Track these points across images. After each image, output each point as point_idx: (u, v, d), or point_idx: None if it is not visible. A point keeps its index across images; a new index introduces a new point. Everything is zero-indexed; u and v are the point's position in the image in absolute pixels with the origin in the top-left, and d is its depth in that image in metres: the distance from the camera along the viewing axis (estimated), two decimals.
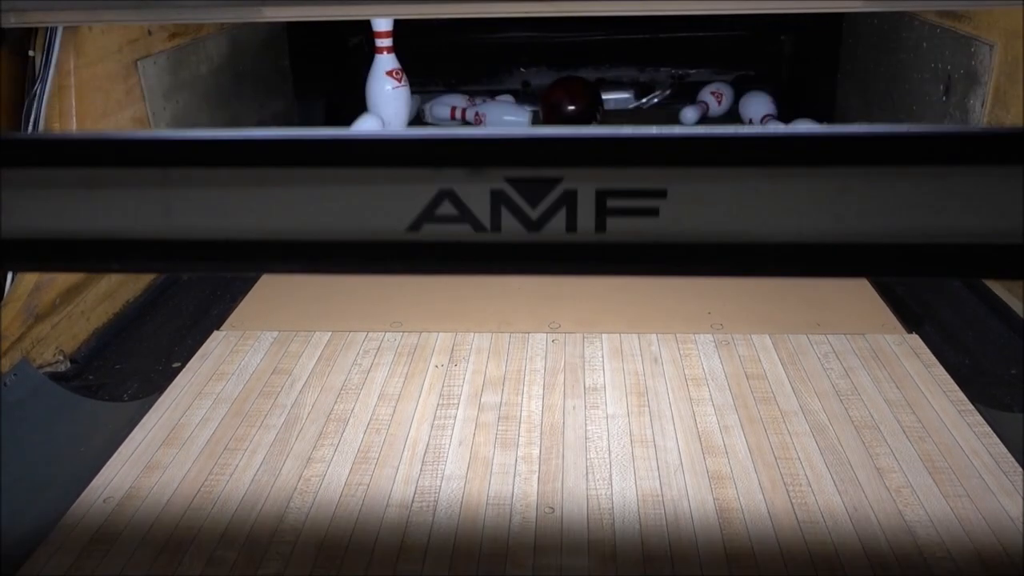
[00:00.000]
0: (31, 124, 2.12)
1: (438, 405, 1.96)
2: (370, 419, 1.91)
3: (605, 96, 4.22)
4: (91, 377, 2.15)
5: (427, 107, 4.09)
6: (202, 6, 1.79)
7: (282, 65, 3.66)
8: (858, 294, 2.42)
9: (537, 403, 1.95)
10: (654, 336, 2.22)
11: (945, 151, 0.80)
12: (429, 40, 4.07)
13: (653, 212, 0.81)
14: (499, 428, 1.86)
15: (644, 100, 4.31)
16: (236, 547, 1.54)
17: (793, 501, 1.62)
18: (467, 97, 4.14)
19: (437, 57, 4.18)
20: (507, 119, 4.01)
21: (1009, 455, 1.74)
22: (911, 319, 2.30)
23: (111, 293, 2.39)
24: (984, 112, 2.38)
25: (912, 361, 2.09)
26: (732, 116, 4.08)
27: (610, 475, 1.70)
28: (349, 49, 4.08)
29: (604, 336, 2.22)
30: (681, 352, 2.15)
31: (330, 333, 2.26)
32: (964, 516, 1.58)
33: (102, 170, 0.85)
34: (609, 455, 1.77)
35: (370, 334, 2.25)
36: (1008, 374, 2.07)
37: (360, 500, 1.65)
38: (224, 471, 1.75)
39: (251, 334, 2.27)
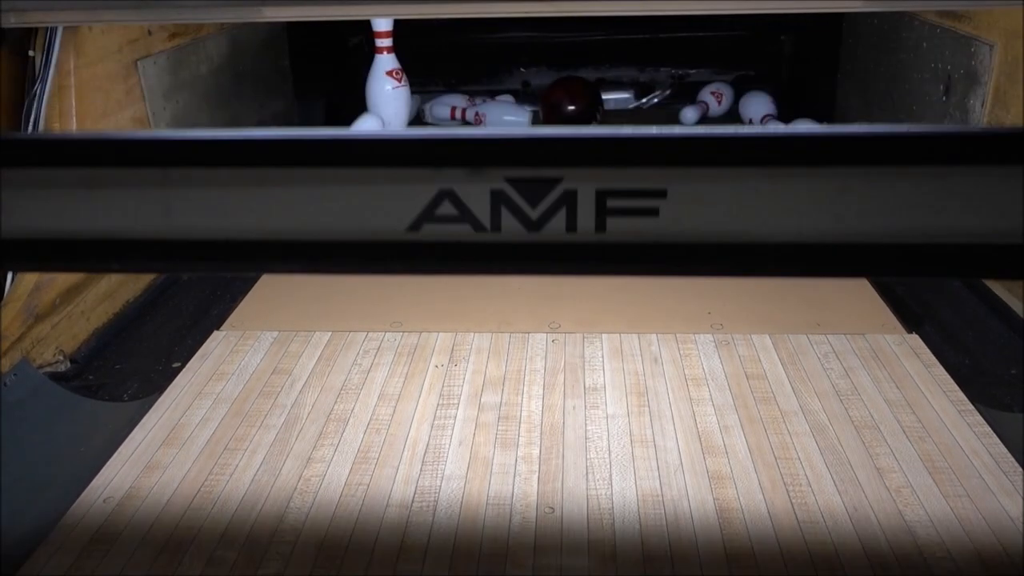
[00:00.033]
0: (31, 124, 2.12)
1: (438, 405, 1.96)
2: (370, 419, 1.91)
3: (605, 96, 4.22)
4: (91, 377, 2.15)
5: (427, 107, 4.09)
6: (202, 6, 1.79)
7: (282, 65, 3.66)
8: (858, 294, 2.42)
9: (537, 403, 1.95)
10: (654, 336, 2.22)
11: (945, 151, 0.80)
12: (429, 40, 4.06)
13: (653, 212, 0.81)
14: (499, 428, 1.86)
15: (644, 100, 4.31)
16: (236, 547, 1.54)
17: (793, 501, 1.62)
18: (467, 97, 4.14)
19: (437, 57, 4.18)
20: (507, 119, 4.01)
21: (1009, 455, 1.74)
22: (911, 319, 2.30)
23: (111, 293, 2.39)
24: (984, 112, 2.38)
25: (912, 361, 2.09)
26: (732, 116, 4.08)
27: (610, 475, 1.70)
28: (349, 49, 4.08)
29: (604, 336, 2.22)
30: (681, 352, 2.15)
31: (330, 333, 2.26)
32: (964, 516, 1.58)
33: (102, 170, 0.85)
34: (609, 455, 1.77)
35: (370, 334, 2.25)
36: (1008, 374, 2.07)
37: (360, 500, 1.65)
38: (224, 471, 1.75)
39: (251, 334, 2.27)
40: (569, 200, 0.82)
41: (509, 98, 4.20)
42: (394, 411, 1.94)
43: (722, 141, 0.81)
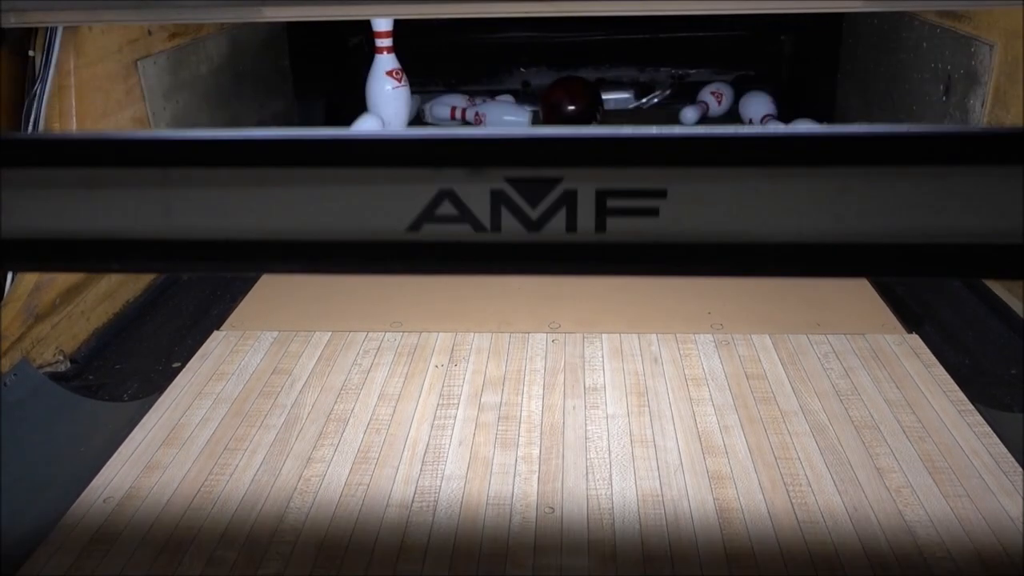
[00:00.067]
0: (31, 124, 2.12)
1: (438, 405, 1.95)
2: (370, 419, 1.91)
3: (605, 96, 4.22)
4: (91, 377, 2.15)
5: (427, 107, 4.09)
6: (202, 6, 1.79)
7: (282, 65, 3.66)
8: (858, 294, 2.42)
9: (537, 403, 1.95)
10: (654, 336, 2.22)
11: (945, 151, 0.80)
12: (429, 40, 4.06)
13: (653, 212, 0.81)
14: (499, 428, 1.86)
15: (644, 100, 4.31)
16: (236, 547, 1.54)
17: (793, 501, 1.62)
18: (467, 97, 4.14)
19: (437, 57, 4.18)
20: (507, 119, 4.01)
21: (1009, 455, 1.74)
22: (911, 319, 2.30)
23: (111, 293, 2.39)
24: (984, 112, 2.38)
25: (912, 361, 2.09)
26: (732, 116, 4.08)
27: (610, 475, 1.70)
28: (349, 49, 4.08)
29: (604, 336, 2.22)
30: (681, 352, 2.15)
31: (330, 333, 2.26)
32: (964, 516, 1.58)
33: (102, 170, 0.85)
34: (609, 455, 1.77)
35: (370, 334, 2.25)
36: (1008, 374, 2.07)
37: (360, 500, 1.65)
38: (224, 471, 1.75)
39: (251, 334, 2.27)
40: (569, 200, 0.82)
41: (509, 98, 4.20)
42: (394, 411, 1.94)
43: (722, 141, 0.81)
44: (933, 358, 2.10)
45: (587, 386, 2.01)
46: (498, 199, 0.82)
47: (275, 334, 2.26)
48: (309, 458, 1.78)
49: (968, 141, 0.81)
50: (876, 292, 2.42)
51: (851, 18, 3.56)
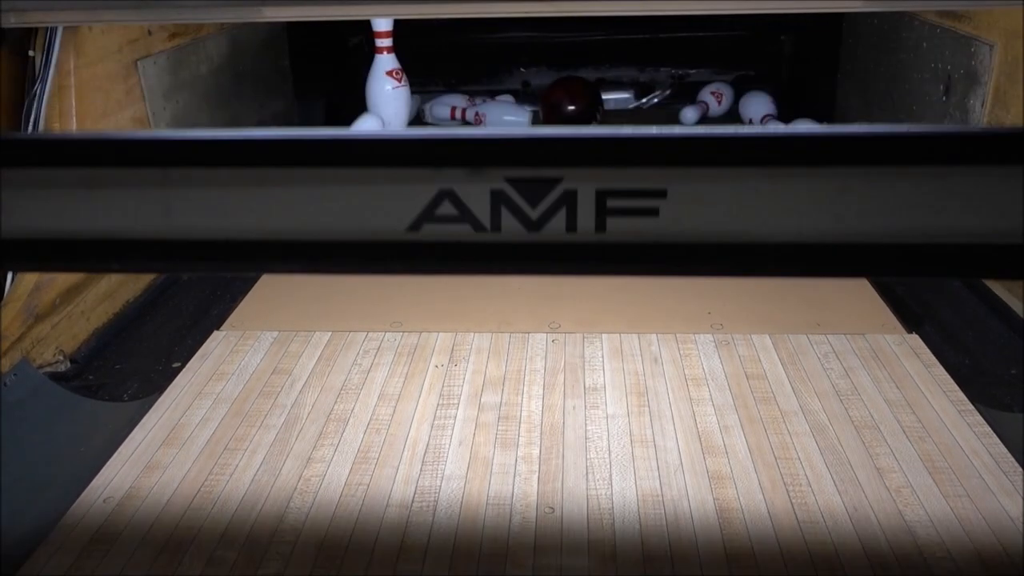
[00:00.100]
0: (31, 124, 2.12)
1: (438, 405, 1.95)
2: (370, 419, 1.91)
3: (605, 96, 4.22)
4: (91, 377, 2.15)
5: (427, 107, 4.09)
6: (202, 6, 1.79)
7: (282, 65, 3.66)
8: (858, 294, 2.42)
9: (537, 403, 1.95)
10: (654, 336, 2.22)
11: (945, 151, 0.80)
12: (429, 40, 4.06)
13: (653, 212, 0.82)
14: (499, 428, 1.86)
15: (644, 100, 4.31)
16: (236, 547, 1.54)
17: (793, 501, 1.62)
18: (467, 97, 4.14)
19: (437, 57, 4.18)
20: (507, 119, 4.01)
21: (1009, 455, 1.74)
22: (911, 319, 2.30)
23: (111, 293, 2.39)
24: (984, 112, 2.38)
25: (912, 361, 2.09)
26: (732, 116, 4.08)
27: (610, 475, 1.70)
28: (349, 49, 4.08)
29: (604, 336, 2.22)
30: (681, 352, 2.15)
31: (330, 333, 2.26)
32: (964, 516, 1.58)
33: (102, 170, 0.85)
34: (609, 455, 1.77)
35: (370, 334, 2.25)
36: (1008, 374, 2.07)
37: (360, 500, 1.65)
38: (224, 471, 1.75)
39: (251, 334, 2.27)
40: (569, 200, 0.82)
41: (509, 98, 4.20)
42: (394, 411, 1.94)
43: (722, 141, 0.81)
44: (933, 358, 2.10)
45: (587, 386, 2.02)
46: (498, 199, 0.82)
47: (275, 334, 2.26)
48: (309, 458, 1.78)
49: (968, 141, 0.81)
50: (876, 292, 2.42)
51: (851, 18, 3.56)
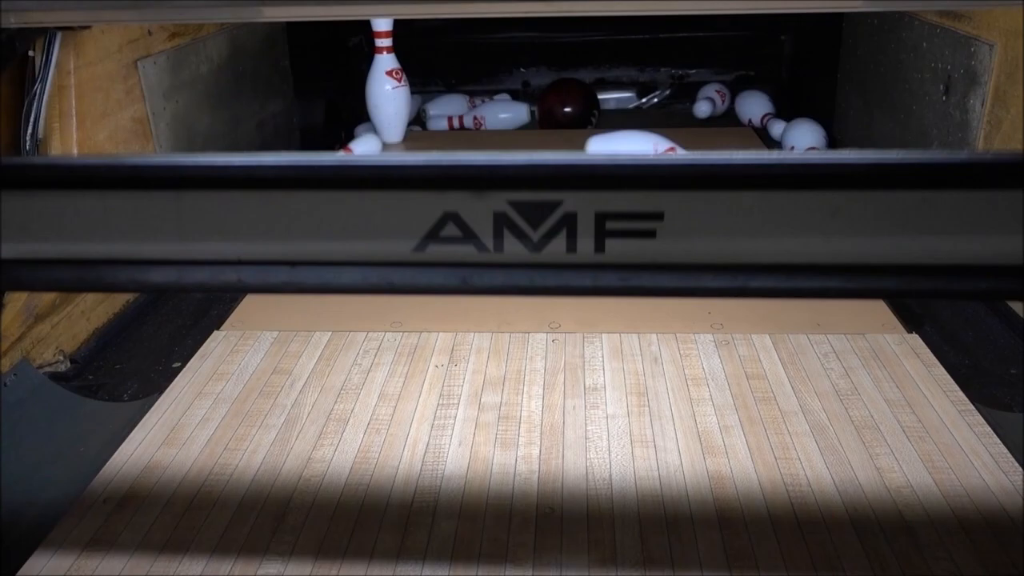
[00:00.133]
0: (31, 124, 2.12)
1: (438, 405, 1.95)
2: (370, 419, 1.91)
3: (606, 96, 4.23)
4: (91, 377, 2.15)
5: (427, 107, 4.10)
6: (202, 6, 1.79)
7: (282, 65, 3.66)
8: None
9: (537, 403, 1.95)
10: (654, 336, 2.22)
11: (931, 177, 0.83)
12: (429, 40, 4.07)
13: (651, 234, 0.84)
14: (499, 428, 1.86)
15: (644, 100, 4.31)
16: (236, 547, 1.54)
17: (793, 501, 1.62)
18: (467, 98, 4.15)
19: (437, 57, 4.19)
20: (503, 117, 4.02)
21: (1009, 455, 1.74)
22: (911, 319, 2.30)
23: (111, 293, 2.39)
24: (984, 112, 2.38)
25: (912, 361, 2.09)
26: (730, 116, 4.09)
27: (610, 475, 1.70)
28: (349, 49, 4.09)
29: (604, 336, 2.22)
30: (681, 352, 2.15)
31: (330, 333, 2.26)
32: (964, 516, 1.58)
33: (112, 193, 0.87)
34: (609, 455, 1.77)
35: (370, 334, 2.25)
36: (1008, 374, 2.08)
37: (360, 500, 1.65)
38: (224, 471, 1.75)
39: (251, 334, 2.27)
40: (569, 222, 0.85)
41: (506, 97, 4.21)
42: (394, 411, 1.94)
43: (717, 166, 0.84)
44: (933, 358, 2.10)
45: (587, 386, 2.02)
46: (501, 221, 0.85)
47: (275, 334, 2.26)
48: (309, 458, 1.78)
49: (954, 169, 0.83)
50: None
51: (851, 18, 3.56)
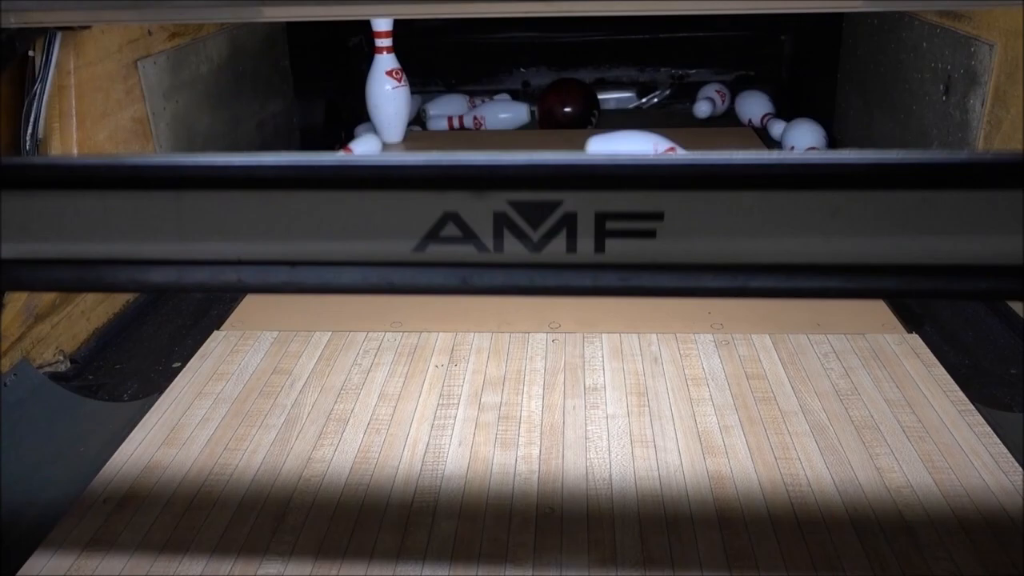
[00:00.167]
0: (31, 124, 2.12)
1: (438, 405, 1.96)
2: (370, 419, 1.91)
3: (606, 96, 4.23)
4: (91, 377, 2.15)
5: (427, 107, 4.10)
6: (202, 6, 1.79)
7: (282, 65, 3.66)
8: None
9: (537, 403, 1.95)
10: (654, 336, 2.22)
11: (930, 177, 0.83)
12: (429, 40, 4.07)
13: (651, 234, 0.84)
14: (499, 428, 1.87)
15: (644, 100, 4.31)
16: (236, 547, 1.54)
17: (793, 501, 1.62)
18: (467, 98, 4.15)
19: (437, 57, 4.19)
20: (503, 116, 4.02)
21: (1009, 455, 1.74)
22: (911, 319, 2.30)
23: (111, 293, 2.39)
24: (984, 112, 2.38)
25: (912, 361, 2.09)
26: (730, 116, 4.09)
27: (610, 475, 1.70)
28: (349, 49, 4.09)
29: (604, 336, 2.22)
30: (681, 352, 2.15)
31: (330, 333, 2.26)
32: (964, 516, 1.58)
33: (112, 193, 0.87)
34: (609, 455, 1.77)
35: (370, 334, 2.25)
36: (1008, 374, 2.08)
37: (360, 500, 1.65)
38: (224, 471, 1.75)
39: (251, 334, 2.27)
40: (569, 222, 0.85)
41: (506, 97, 4.21)
42: (394, 411, 1.94)
43: (716, 166, 0.84)
44: (933, 358, 2.10)
45: (587, 386, 2.02)
46: (501, 221, 0.85)
47: (275, 334, 2.26)
48: (309, 458, 1.78)
49: (951, 168, 0.83)
50: None
51: (851, 18, 3.56)
